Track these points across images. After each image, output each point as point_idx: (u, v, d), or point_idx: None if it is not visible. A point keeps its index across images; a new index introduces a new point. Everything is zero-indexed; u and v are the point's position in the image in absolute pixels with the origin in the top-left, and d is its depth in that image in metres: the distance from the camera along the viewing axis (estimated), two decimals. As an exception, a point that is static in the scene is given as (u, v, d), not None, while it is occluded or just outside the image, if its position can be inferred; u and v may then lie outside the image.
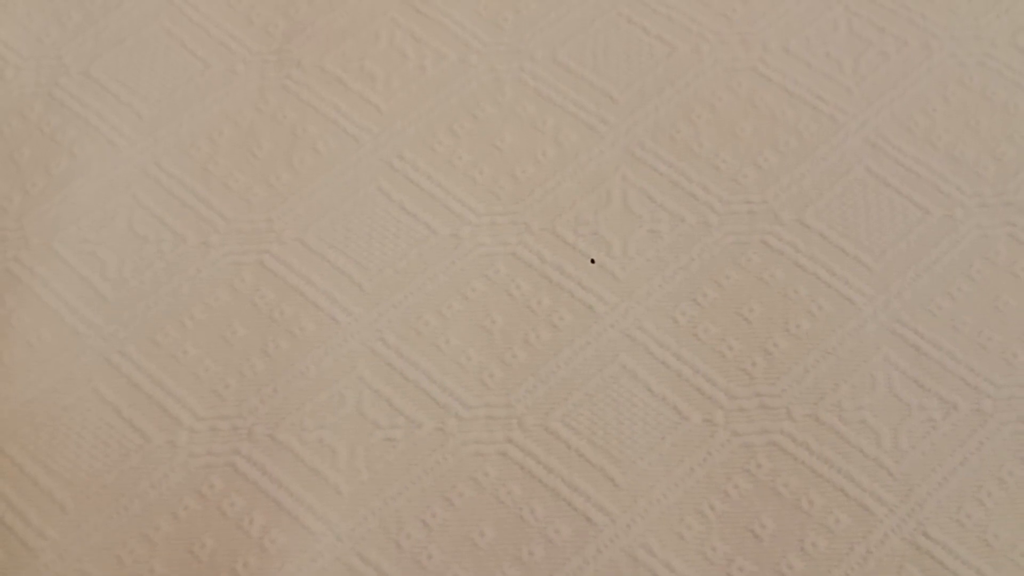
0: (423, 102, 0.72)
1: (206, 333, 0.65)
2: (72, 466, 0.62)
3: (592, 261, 0.67)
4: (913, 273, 0.67)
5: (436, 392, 0.63)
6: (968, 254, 0.67)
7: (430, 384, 0.63)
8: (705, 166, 0.70)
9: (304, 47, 0.74)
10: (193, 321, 0.65)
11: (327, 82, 0.73)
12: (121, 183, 0.70)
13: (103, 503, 0.61)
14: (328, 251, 0.67)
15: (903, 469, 0.61)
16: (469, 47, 0.74)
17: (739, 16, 0.75)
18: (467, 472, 0.61)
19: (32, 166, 0.70)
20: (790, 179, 0.69)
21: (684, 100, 0.72)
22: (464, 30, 0.74)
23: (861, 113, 0.72)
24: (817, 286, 0.66)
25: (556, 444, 0.62)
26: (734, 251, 0.67)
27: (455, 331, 0.65)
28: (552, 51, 0.74)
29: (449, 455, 0.62)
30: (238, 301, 0.66)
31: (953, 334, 0.65)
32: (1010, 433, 0.62)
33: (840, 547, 0.59)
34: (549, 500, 0.61)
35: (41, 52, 0.74)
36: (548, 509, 0.60)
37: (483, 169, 0.70)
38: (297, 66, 0.73)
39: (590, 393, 0.63)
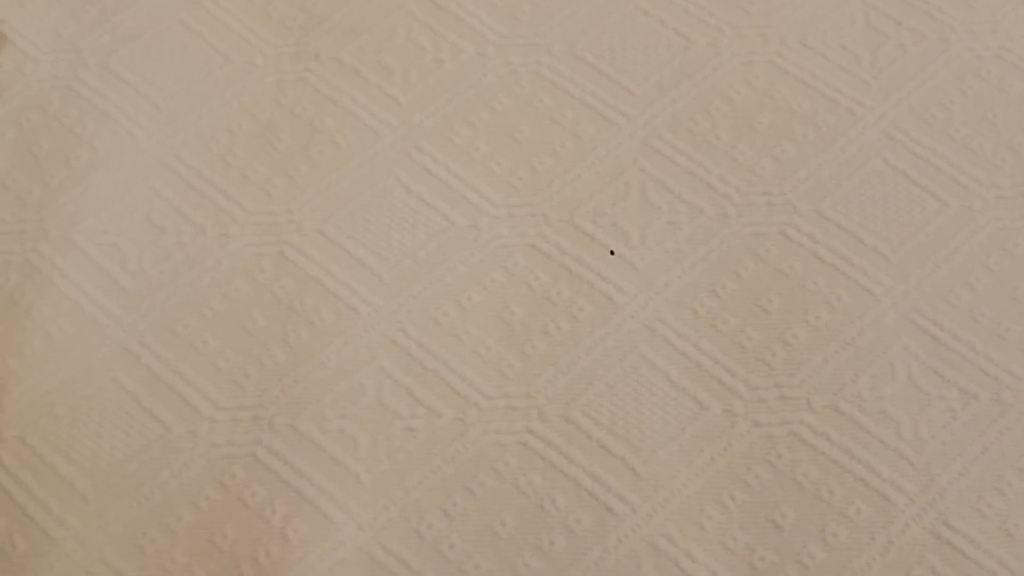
0: (441, 95, 0.72)
1: (226, 323, 0.65)
2: (93, 456, 0.62)
3: (611, 252, 0.67)
4: (932, 264, 0.67)
5: (456, 382, 0.63)
6: (986, 245, 0.67)
7: (450, 374, 0.63)
8: (723, 158, 0.70)
9: (322, 40, 0.74)
10: (213, 311, 0.65)
11: (345, 75, 0.73)
12: (140, 175, 0.70)
13: (124, 493, 0.61)
14: (347, 242, 0.67)
15: (923, 459, 0.61)
16: (487, 40, 0.74)
17: (756, 9, 0.75)
18: (488, 462, 0.61)
19: (51, 159, 0.70)
20: (808, 171, 0.69)
21: (702, 93, 0.72)
22: (481, 23, 0.75)
23: (879, 106, 0.72)
24: (836, 277, 0.66)
25: (576, 434, 0.62)
26: (752, 242, 0.67)
27: (474, 322, 0.65)
28: (570, 44, 0.74)
29: (469, 445, 0.62)
30: (258, 292, 0.66)
31: (972, 325, 0.65)
32: (1030, 423, 0.62)
33: (861, 537, 0.59)
34: (570, 490, 0.61)
35: (59, 46, 0.74)
36: (569, 499, 0.60)
37: (501, 161, 0.70)
38: (315, 59, 0.73)
39: (610, 384, 0.63)
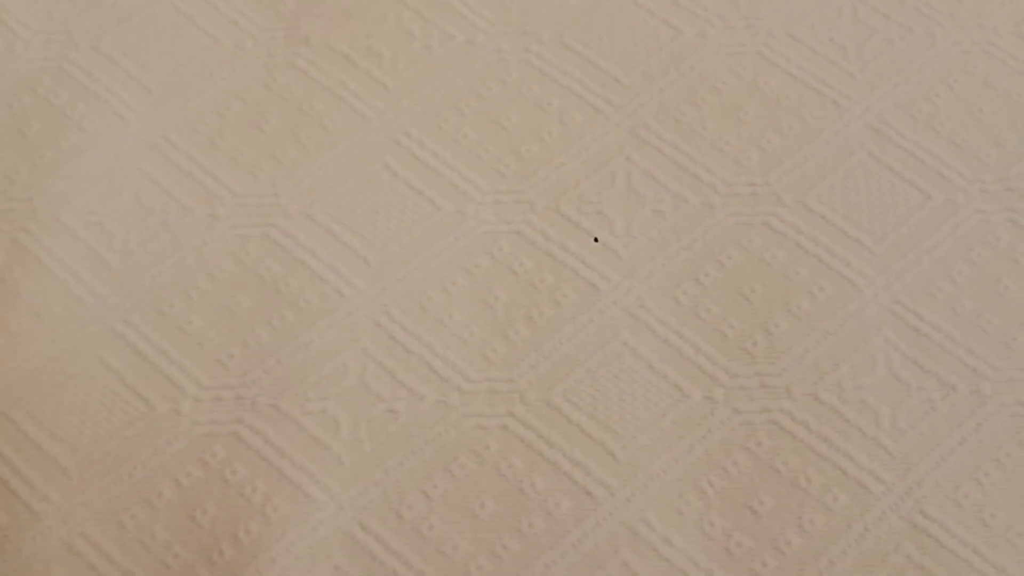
0: (429, 81, 0.73)
1: (211, 304, 0.66)
2: (77, 433, 0.62)
3: (595, 240, 0.67)
4: (914, 256, 0.67)
5: (439, 366, 0.64)
6: (969, 238, 0.68)
7: (433, 358, 0.64)
8: (709, 148, 0.70)
9: (312, 25, 0.74)
10: (198, 292, 0.66)
11: (334, 60, 0.73)
12: (129, 156, 0.70)
13: (106, 469, 0.61)
14: (334, 225, 0.68)
15: (901, 449, 0.61)
16: (476, 27, 0.74)
17: (744, 1, 0.75)
18: (468, 445, 0.62)
19: (41, 139, 0.70)
20: (793, 162, 0.70)
21: (689, 83, 0.72)
22: (471, 11, 0.75)
23: (864, 99, 0.72)
24: (818, 268, 0.66)
25: (557, 419, 0.62)
26: (736, 232, 0.68)
27: (458, 306, 0.65)
28: (558, 33, 0.74)
29: (451, 428, 0.62)
30: (243, 273, 0.66)
31: (953, 317, 0.65)
32: (1008, 415, 0.63)
33: (838, 524, 0.60)
34: (550, 473, 0.61)
35: (51, 27, 0.74)
36: (548, 482, 0.61)
37: (488, 148, 0.70)
38: (305, 43, 0.74)
39: (592, 369, 0.63)
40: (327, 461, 0.61)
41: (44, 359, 0.64)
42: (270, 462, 0.61)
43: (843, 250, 0.67)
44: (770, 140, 0.70)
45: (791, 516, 0.60)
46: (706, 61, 0.73)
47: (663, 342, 0.64)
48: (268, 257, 0.67)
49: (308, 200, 0.68)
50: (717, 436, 0.62)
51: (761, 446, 0.62)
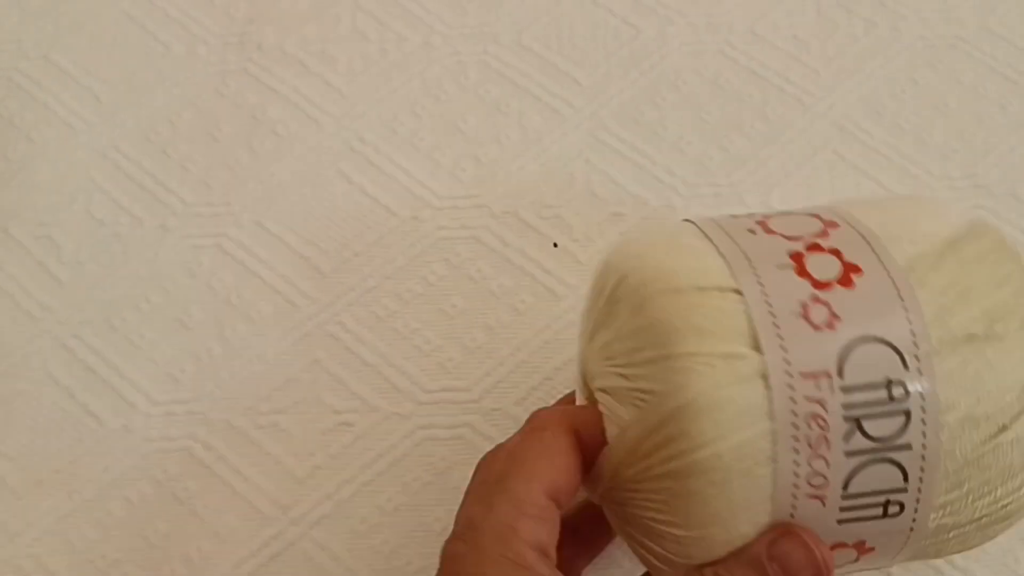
0: (385, 85, 0.71)
1: (163, 317, 0.64)
2: (26, 451, 0.61)
3: (555, 245, 0.66)
4: (879, 256, 0.66)
5: (394, 376, 0.62)
6: (935, 237, 0.66)
7: (388, 368, 0.63)
8: (670, 149, 0.69)
9: (266, 30, 0.73)
10: (150, 305, 0.65)
11: (288, 65, 0.72)
12: (79, 167, 0.69)
13: (55, 487, 0.60)
14: (286, 234, 0.66)
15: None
16: (432, 30, 0.73)
17: (706, -2, 0.74)
18: (424, 457, 0.60)
19: (-10, 150, 0.69)
20: (756, 162, 0.68)
21: (649, 83, 0.71)
22: (428, 12, 0.74)
23: (829, 95, 0.71)
24: (782, 269, 0.65)
25: (515, 429, 0.61)
26: (698, 234, 0.66)
27: (414, 315, 0.64)
28: (516, 34, 0.73)
29: (406, 439, 0.61)
30: (195, 285, 0.65)
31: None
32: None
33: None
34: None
35: (0, 36, 0.73)
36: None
37: (445, 152, 0.69)
38: (258, 49, 0.72)
39: (549, 376, 0.62)
40: (279, 476, 0.60)
41: (-7, 375, 0.63)
42: (222, 478, 0.60)
43: (807, 251, 0.66)
44: (732, 140, 0.69)
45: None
46: (667, 60, 0.72)
47: (624, 348, 0.63)
48: (220, 268, 0.65)
49: (261, 209, 0.67)
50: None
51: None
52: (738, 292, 0.44)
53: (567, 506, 0.46)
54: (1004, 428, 0.44)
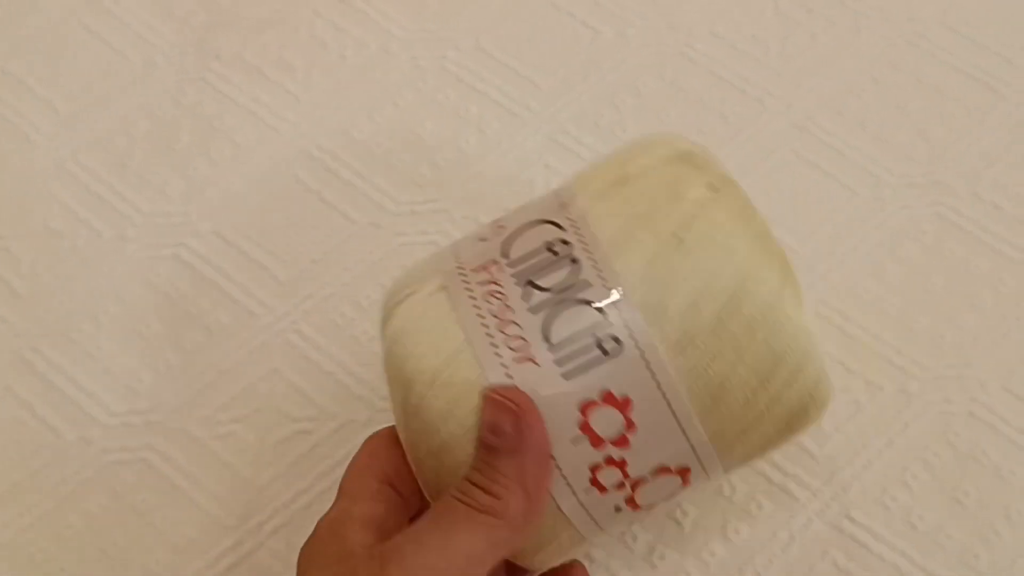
0: (343, 91, 0.71)
1: (120, 328, 0.64)
2: (-17, 465, 0.61)
3: None
4: (839, 255, 0.66)
5: (352, 384, 0.62)
6: (896, 235, 0.66)
7: (346, 376, 0.62)
8: (629, 151, 0.69)
9: (224, 39, 0.73)
10: (107, 316, 0.65)
11: (246, 73, 0.72)
12: (37, 179, 0.69)
13: (13, 500, 0.60)
14: (244, 243, 0.66)
15: (826, 452, 0.60)
16: (390, 35, 0.73)
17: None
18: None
19: (-51, 163, 0.69)
20: (716, 163, 0.68)
21: (609, 85, 0.71)
22: (386, 18, 0.74)
23: (788, 95, 0.71)
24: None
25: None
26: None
27: (373, 322, 0.64)
28: (475, 38, 0.73)
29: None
30: (153, 295, 0.65)
31: (880, 316, 0.64)
32: (936, 414, 0.61)
33: (762, 533, 0.58)
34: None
35: (-41, 50, 0.73)
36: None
37: (403, 157, 0.69)
38: (216, 58, 0.72)
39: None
40: (235, 484, 0.60)
41: (-48, 389, 0.63)
42: (179, 488, 0.60)
43: (767, 251, 0.65)
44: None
45: (716, 526, 0.59)
46: (626, 63, 0.72)
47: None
48: (178, 278, 0.65)
49: (219, 218, 0.67)
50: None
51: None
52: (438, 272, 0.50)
53: (408, 493, 0.49)
54: (675, 236, 0.46)
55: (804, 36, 0.73)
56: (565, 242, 0.47)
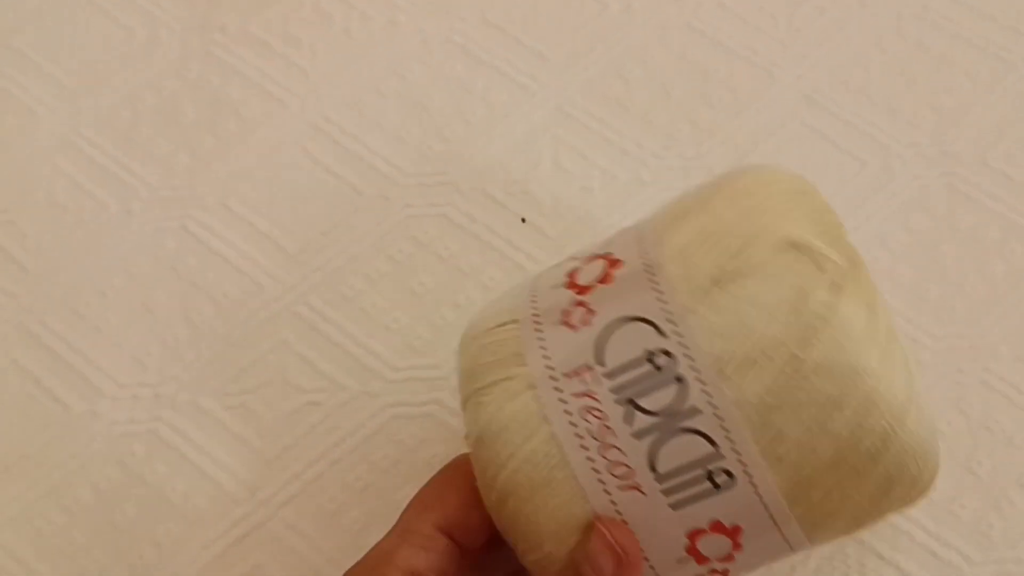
0: (349, 65, 0.71)
1: (128, 301, 0.64)
2: (-9, 438, 0.61)
3: (523, 220, 0.65)
4: (850, 226, 0.64)
5: (362, 355, 0.62)
6: (906, 205, 0.66)
7: (356, 347, 0.62)
8: (637, 122, 0.68)
9: (229, 12, 0.73)
10: (114, 290, 0.64)
11: (252, 46, 0.71)
12: (42, 153, 0.68)
13: (22, 474, 0.60)
14: (251, 215, 0.66)
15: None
16: (397, 8, 0.73)
17: (671, -28, 0.74)
18: (392, 435, 0.60)
19: (-47, 139, 0.69)
20: (724, 134, 0.68)
21: (615, 57, 0.71)
22: (392, -9, 0.73)
23: (796, 67, 0.70)
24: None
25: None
26: (667, 207, 0.66)
27: (382, 294, 0.64)
28: (481, 11, 0.72)
29: (374, 418, 0.60)
30: (160, 268, 0.65)
31: (891, 286, 0.64)
32: (949, 383, 0.61)
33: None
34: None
35: (-38, 25, 0.73)
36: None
37: (411, 130, 0.68)
38: (221, 31, 0.72)
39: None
40: (248, 456, 0.60)
41: (-42, 364, 0.62)
42: (190, 460, 0.60)
43: (777, 222, 0.65)
44: (700, 113, 0.69)
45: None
46: (633, 35, 0.72)
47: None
48: (185, 251, 0.65)
49: (226, 191, 0.67)
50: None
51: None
52: (515, 321, 0.46)
53: (469, 543, 0.47)
54: (796, 357, 0.41)
55: (811, 7, 0.72)
56: (667, 353, 0.42)
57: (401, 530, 0.47)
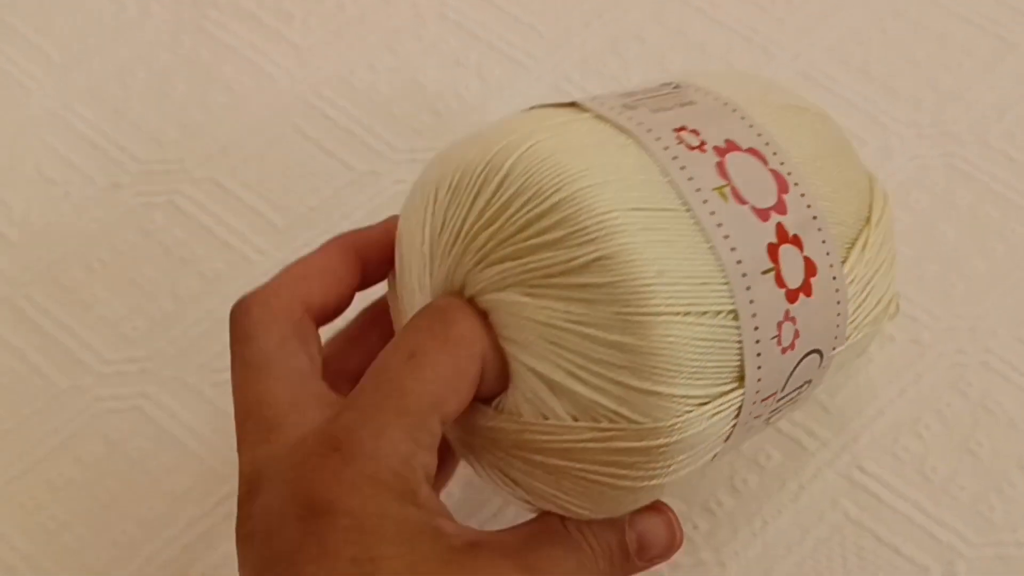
0: (342, 39, 0.70)
1: (114, 275, 0.63)
2: (-27, 413, 0.60)
3: None
4: (848, 204, 0.65)
5: (352, 330, 0.61)
6: (906, 184, 0.65)
7: (342, 325, 0.61)
8: (633, 99, 0.68)
9: (220, -14, 0.72)
10: (101, 263, 0.63)
11: (243, 21, 0.71)
12: (31, 127, 0.67)
13: (4, 448, 0.59)
14: (240, 190, 0.65)
15: (837, 403, 0.59)
16: (390, -18, 0.72)
17: (669, -52, 0.73)
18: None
19: (-60, 112, 0.68)
20: (722, 112, 0.67)
21: (611, 33, 0.70)
22: (385, -34, 0.73)
23: (794, 45, 0.70)
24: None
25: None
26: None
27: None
28: (476, -14, 0.72)
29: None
30: (148, 242, 0.64)
31: (889, 265, 0.63)
32: (949, 364, 0.60)
33: (771, 483, 0.57)
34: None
35: (-50, -3, 0.72)
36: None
37: (403, 105, 0.68)
38: (213, 5, 0.71)
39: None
40: (231, 432, 0.58)
41: (-58, 338, 0.62)
42: (174, 436, 0.59)
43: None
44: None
45: (723, 476, 0.58)
46: (630, 10, 0.71)
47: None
48: (173, 225, 0.64)
49: (214, 165, 0.66)
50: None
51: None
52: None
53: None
54: None
55: (811, -15, 0.72)
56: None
57: (399, 417, 0.39)
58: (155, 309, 0.62)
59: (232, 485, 0.57)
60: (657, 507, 0.45)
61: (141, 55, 0.70)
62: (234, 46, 0.70)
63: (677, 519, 0.45)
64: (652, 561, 0.45)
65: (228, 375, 0.59)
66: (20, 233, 0.64)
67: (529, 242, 0.40)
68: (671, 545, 0.45)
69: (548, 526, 0.43)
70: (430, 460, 0.39)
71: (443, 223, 0.42)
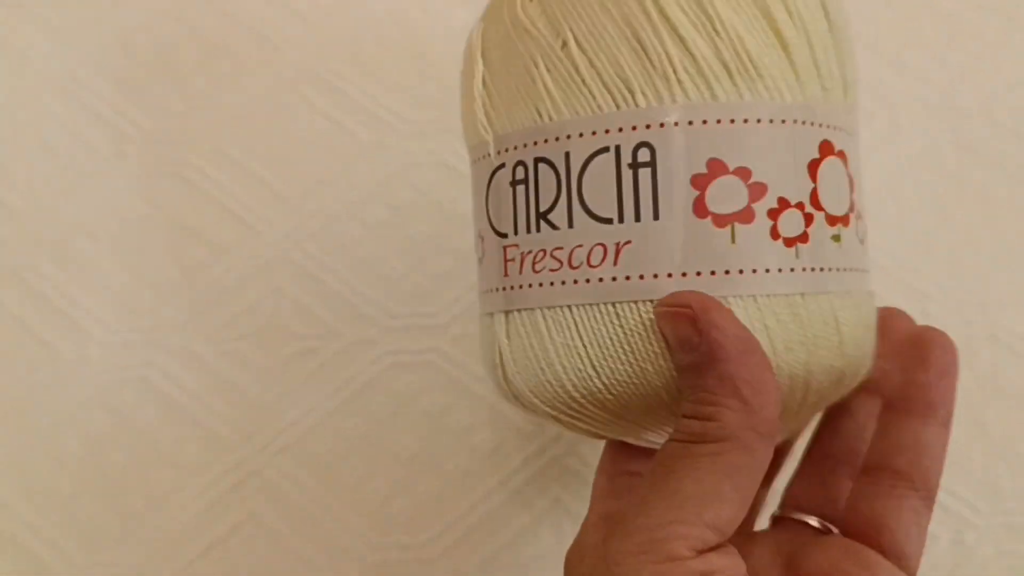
0: (349, 11, 0.69)
1: (120, 245, 0.62)
2: (-23, 383, 0.59)
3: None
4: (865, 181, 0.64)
5: (359, 302, 0.60)
6: (914, 160, 0.65)
7: (352, 295, 0.61)
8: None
9: (225, -44, 0.71)
10: (106, 233, 0.63)
11: (249, -9, 0.70)
12: (33, 95, 0.66)
13: (9, 420, 0.58)
14: (248, 161, 0.64)
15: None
16: (397, -46, 0.71)
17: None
18: (389, 384, 0.59)
19: (-59, 82, 0.67)
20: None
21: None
22: (391, -63, 0.72)
23: (803, 19, 0.69)
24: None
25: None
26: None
27: (380, 241, 0.62)
28: (483, -42, 0.71)
29: (373, 365, 0.59)
30: (153, 211, 0.63)
31: (899, 242, 0.63)
32: (958, 338, 0.60)
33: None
34: (466, 409, 0.58)
35: (-49, -35, 0.71)
36: (463, 411, 0.58)
37: (411, 77, 0.67)
38: (217, -24, 0.70)
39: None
40: (240, 403, 0.58)
41: (-55, 308, 0.61)
42: (182, 406, 0.58)
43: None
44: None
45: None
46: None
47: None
48: (179, 195, 0.63)
49: (220, 135, 0.65)
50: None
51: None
52: None
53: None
54: None
55: (819, -40, 0.71)
56: None
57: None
58: (161, 279, 0.61)
59: (240, 455, 0.57)
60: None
61: (145, 24, 0.68)
62: (240, 17, 0.68)
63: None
64: (696, 349, 0.38)
65: (237, 345, 0.59)
66: (24, 202, 0.63)
67: None
68: (688, 317, 0.38)
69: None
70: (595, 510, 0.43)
71: None
